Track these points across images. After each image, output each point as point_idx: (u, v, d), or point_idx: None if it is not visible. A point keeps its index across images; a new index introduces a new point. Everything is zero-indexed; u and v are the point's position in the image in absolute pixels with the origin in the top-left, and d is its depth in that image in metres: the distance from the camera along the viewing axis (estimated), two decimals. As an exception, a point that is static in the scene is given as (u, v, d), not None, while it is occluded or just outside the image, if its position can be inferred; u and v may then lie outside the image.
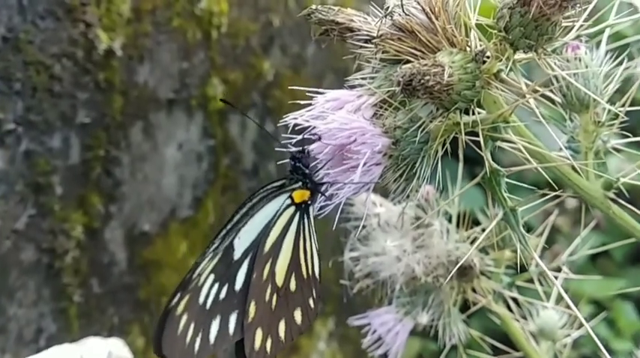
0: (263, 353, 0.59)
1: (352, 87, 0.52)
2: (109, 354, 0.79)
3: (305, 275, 0.59)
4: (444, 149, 0.52)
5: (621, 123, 0.56)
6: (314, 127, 0.49)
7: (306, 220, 0.59)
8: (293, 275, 0.59)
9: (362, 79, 0.52)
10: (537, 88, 0.50)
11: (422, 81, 0.45)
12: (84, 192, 1.03)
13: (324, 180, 0.53)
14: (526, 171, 0.53)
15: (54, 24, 0.97)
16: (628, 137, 0.59)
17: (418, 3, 0.49)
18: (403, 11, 0.49)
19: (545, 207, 0.66)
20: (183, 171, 1.16)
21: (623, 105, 0.56)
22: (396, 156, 0.50)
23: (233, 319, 0.59)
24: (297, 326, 0.60)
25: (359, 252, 0.70)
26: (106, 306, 1.07)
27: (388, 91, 0.50)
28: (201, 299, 0.59)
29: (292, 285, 0.59)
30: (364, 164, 0.48)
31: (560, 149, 0.55)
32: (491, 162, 0.50)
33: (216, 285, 0.59)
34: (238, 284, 0.59)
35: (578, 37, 0.50)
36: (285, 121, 0.50)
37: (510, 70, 0.49)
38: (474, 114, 0.50)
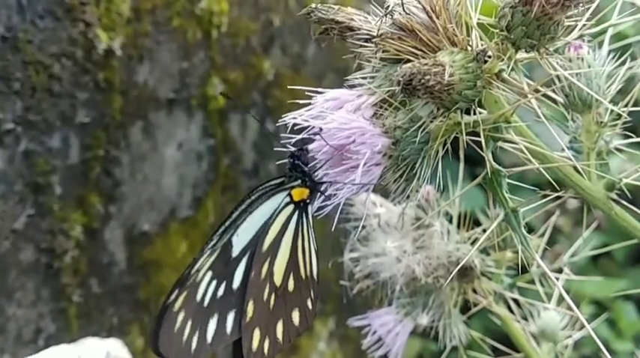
0: (261, 354, 0.58)
1: (352, 86, 0.52)
2: (107, 354, 0.79)
3: (303, 276, 0.59)
4: (445, 149, 0.52)
5: (623, 123, 0.56)
6: (313, 127, 0.49)
7: (304, 219, 0.58)
8: (291, 275, 0.58)
9: (362, 78, 0.51)
10: (539, 88, 0.49)
11: (422, 80, 0.45)
12: (83, 192, 1.02)
13: (324, 180, 0.53)
14: (527, 171, 0.53)
15: (53, 23, 0.96)
16: (630, 137, 0.58)
17: (419, 2, 0.49)
18: (404, 10, 0.49)
19: (547, 207, 0.66)
20: (183, 171, 1.16)
21: (625, 106, 0.55)
22: (396, 157, 0.50)
23: (231, 318, 0.58)
24: (295, 328, 0.59)
25: (359, 253, 0.70)
26: (106, 306, 1.07)
27: (388, 91, 0.50)
28: (199, 297, 0.58)
29: (290, 285, 0.59)
30: (364, 164, 0.47)
31: (563, 149, 0.55)
32: (493, 162, 0.50)
33: (214, 283, 0.58)
34: (236, 283, 0.59)
35: (580, 36, 0.50)
36: (285, 121, 0.50)
37: (512, 69, 0.49)
38: (475, 114, 0.49)
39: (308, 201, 0.58)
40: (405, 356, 0.75)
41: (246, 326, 0.58)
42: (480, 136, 0.50)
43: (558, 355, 0.75)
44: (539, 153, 0.52)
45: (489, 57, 0.48)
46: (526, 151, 0.51)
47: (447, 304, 0.70)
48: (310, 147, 0.51)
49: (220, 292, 0.58)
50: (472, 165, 0.67)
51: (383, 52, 0.50)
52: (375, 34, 0.50)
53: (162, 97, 1.11)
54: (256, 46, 1.25)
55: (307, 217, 0.58)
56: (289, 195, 0.58)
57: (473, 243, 0.69)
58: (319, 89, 0.50)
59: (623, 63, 0.58)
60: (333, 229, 0.54)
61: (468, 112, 0.50)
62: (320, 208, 0.54)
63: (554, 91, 0.54)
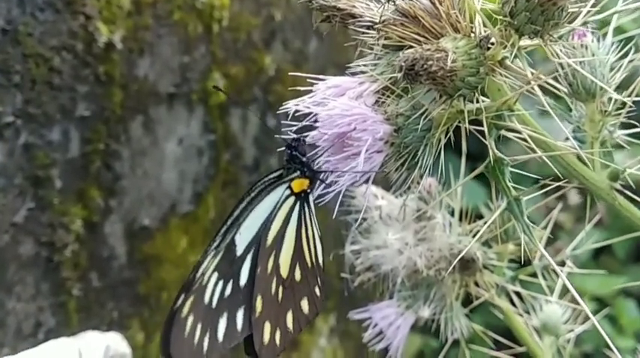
0: (273, 347, 0.58)
1: (354, 74, 0.51)
2: (106, 348, 0.79)
3: (309, 264, 0.59)
4: (447, 138, 0.51)
5: (627, 112, 0.55)
6: (315, 114, 0.48)
7: (306, 209, 0.58)
8: (297, 264, 0.58)
9: (364, 65, 0.51)
10: (541, 76, 0.49)
11: (425, 66, 0.45)
12: (83, 186, 1.02)
13: (324, 167, 0.52)
14: (530, 164, 0.52)
15: (53, 16, 0.96)
16: (634, 127, 0.58)
17: (421, -12, 0.48)
18: (406, -4, 0.48)
19: (549, 199, 0.65)
20: (183, 166, 1.15)
21: (629, 95, 0.55)
22: (398, 144, 0.49)
23: (240, 315, 0.58)
24: (305, 316, 0.59)
25: (360, 245, 0.70)
26: (106, 301, 1.06)
27: (390, 78, 0.49)
28: (207, 299, 0.58)
29: (297, 275, 0.59)
30: (366, 151, 0.47)
31: (566, 139, 0.54)
32: (495, 150, 0.50)
33: (221, 283, 0.58)
34: (243, 280, 0.59)
35: (585, 23, 0.49)
36: (286, 108, 0.49)
37: (515, 56, 0.48)
38: (477, 101, 0.49)
39: (309, 190, 0.58)
40: (406, 353, 0.75)
41: (256, 321, 0.58)
42: (482, 125, 0.50)
43: (560, 349, 0.74)
44: (543, 142, 0.52)
45: (492, 43, 0.48)
46: (529, 140, 0.50)
47: (449, 297, 0.70)
48: (311, 134, 0.51)
49: (228, 291, 0.58)
50: (474, 161, 0.66)
51: (385, 39, 0.50)
52: (377, 20, 0.50)
53: (163, 92, 1.11)
54: (257, 40, 1.24)
55: (309, 206, 0.58)
56: (289, 187, 0.58)
57: (475, 236, 0.68)
58: (320, 76, 0.50)
59: (626, 54, 0.57)
60: (334, 221, 0.54)
61: (470, 100, 0.49)
62: (321, 196, 0.54)
63: (557, 79, 0.54)
